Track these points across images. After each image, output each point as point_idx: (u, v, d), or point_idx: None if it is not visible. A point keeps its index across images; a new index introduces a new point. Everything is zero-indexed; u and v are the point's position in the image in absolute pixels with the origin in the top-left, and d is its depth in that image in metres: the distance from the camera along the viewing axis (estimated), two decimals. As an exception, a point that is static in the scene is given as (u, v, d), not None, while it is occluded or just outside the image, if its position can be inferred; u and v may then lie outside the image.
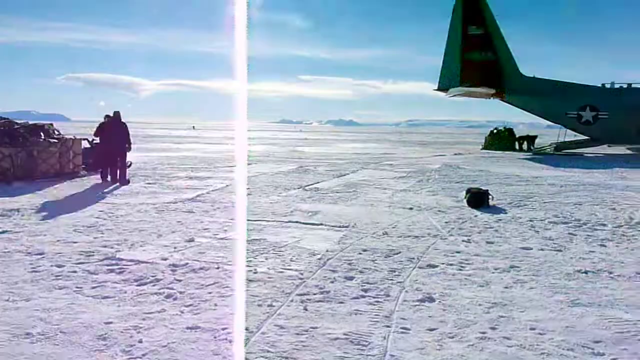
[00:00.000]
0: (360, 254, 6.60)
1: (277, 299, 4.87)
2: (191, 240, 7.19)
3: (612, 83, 30.10)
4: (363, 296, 5.01)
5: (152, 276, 5.51)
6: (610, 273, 5.93)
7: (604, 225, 8.71)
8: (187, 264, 5.99)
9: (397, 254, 6.63)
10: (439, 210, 9.91)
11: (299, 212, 9.58)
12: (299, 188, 12.88)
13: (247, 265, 5.96)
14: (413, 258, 6.43)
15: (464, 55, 31.19)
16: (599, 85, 30.38)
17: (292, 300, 4.85)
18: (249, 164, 19.45)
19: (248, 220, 8.62)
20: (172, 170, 16.67)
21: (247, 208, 9.76)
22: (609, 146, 31.04)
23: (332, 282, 5.43)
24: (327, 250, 6.72)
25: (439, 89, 32.31)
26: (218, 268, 5.84)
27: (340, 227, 8.29)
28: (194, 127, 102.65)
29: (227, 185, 13.05)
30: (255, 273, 5.68)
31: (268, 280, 5.45)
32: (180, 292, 5.02)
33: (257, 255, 6.42)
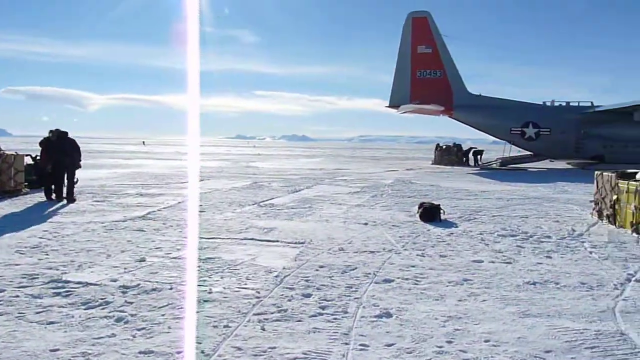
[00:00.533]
0: (317, 270, 6.58)
1: (234, 320, 4.77)
2: (142, 260, 6.96)
3: (552, 101, 31.68)
4: (321, 313, 4.99)
5: (101, 299, 5.29)
6: (557, 284, 6.16)
7: (549, 237, 9.05)
8: (138, 285, 5.79)
9: (353, 269, 6.65)
10: (393, 225, 10.04)
11: (254, 228, 9.49)
12: (253, 204, 12.77)
13: (202, 285, 5.82)
14: (369, 273, 6.46)
15: (414, 73, 32.10)
16: (541, 103, 31.87)
17: (249, 320, 4.76)
18: (202, 180, 19.15)
19: (202, 238, 8.46)
20: (121, 187, 16.18)
21: (200, 225, 9.58)
22: (550, 161, 32.50)
23: (289, 300, 5.38)
24: (283, 268, 6.66)
25: (390, 106, 33.04)
26: (171, 289, 5.68)
27: (296, 243, 8.25)
28: (144, 142, 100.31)
29: (179, 202, 12.78)
30: (210, 293, 5.55)
31: (224, 300, 5.33)
32: (132, 315, 4.84)
33: (211, 275, 6.29)
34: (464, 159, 33.88)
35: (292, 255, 7.42)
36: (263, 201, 13.37)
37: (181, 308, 5.06)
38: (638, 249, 8.10)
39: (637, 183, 9.46)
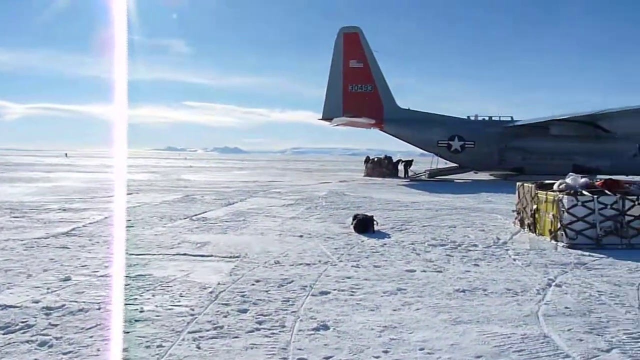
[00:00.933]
0: (253, 285, 6.50)
1: (167, 339, 4.61)
2: (67, 279, 6.58)
3: (476, 115, 33.32)
4: (258, 329, 4.92)
5: (22, 322, 4.94)
6: (485, 290, 6.43)
7: (476, 246, 9.46)
8: (63, 305, 5.46)
9: (290, 282, 6.63)
10: (328, 237, 10.13)
11: (187, 243, 9.24)
12: (185, 218, 12.45)
13: (132, 304, 5.58)
14: (306, 286, 6.47)
15: (346, 87, 32.76)
16: (466, 117, 33.44)
17: (183, 339, 4.62)
18: (130, 194, 18.43)
19: (131, 254, 8.13)
20: (42, 202, 15.27)
21: (129, 241, 9.21)
22: (475, 172, 34.07)
23: (225, 316, 5.27)
24: (218, 283, 6.53)
25: (323, 118, 33.45)
26: (99, 309, 5.41)
27: (231, 257, 8.12)
28: (66, 154, 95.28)
29: (106, 217, 12.23)
30: (141, 312, 5.34)
31: (156, 318, 5.14)
32: (57, 338, 4.56)
33: (142, 292, 6.05)
34: (396, 170, 34.85)
35: (227, 270, 7.29)
36: (195, 215, 13.07)
37: (110, 329, 4.83)
38: (556, 256, 8.64)
39: (555, 193, 10.10)
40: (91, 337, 4.63)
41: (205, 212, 13.75)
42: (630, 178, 26.57)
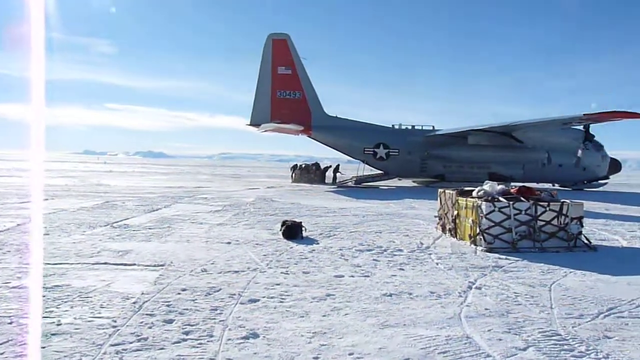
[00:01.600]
0: (179, 294, 6.31)
1: (87, 353, 4.36)
2: (-28, 292, 6.07)
3: (400, 124, 34.42)
4: (185, 339, 4.77)
5: None
6: (410, 294, 6.63)
7: (401, 250, 9.73)
8: (-32, 321, 5.03)
9: (217, 291, 6.49)
10: (257, 244, 10.03)
11: (108, 252, 8.81)
12: (106, 225, 11.88)
13: (49, 317, 5.23)
14: (234, 294, 6.36)
15: (274, 93, 32.76)
16: (390, 126, 34.44)
17: (105, 353, 4.39)
18: (45, 200, 17.35)
19: (47, 263, 7.63)
20: (-58, 209, 14.01)
21: (45, 250, 8.64)
22: (399, 179, 35.14)
23: (150, 327, 5.07)
24: (142, 293, 6.27)
25: (251, 124, 33.21)
26: (11, 323, 5.02)
27: (155, 266, 7.83)
28: None
29: (19, 225, 11.41)
30: (58, 325, 5.01)
31: (75, 332, 4.85)
32: (-39, 357, 4.19)
33: (60, 304, 5.69)
34: (324, 177, 35.17)
35: (151, 279, 7.03)
36: (117, 222, 12.51)
37: (25, 344, 4.50)
38: (476, 259, 9.06)
39: (474, 200, 10.61)
40: (2, 353, 4.29)
41: (127, 218, 13.19)
42: (540, 185, 28.52)
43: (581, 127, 31.47)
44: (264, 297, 6.28)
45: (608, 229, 13.42)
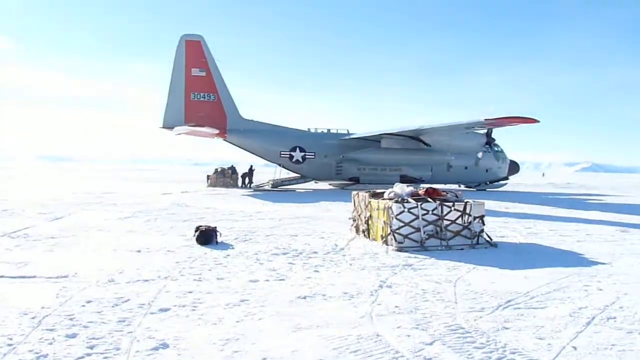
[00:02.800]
0: (83, 306, 5.97)
1: (-24, 375, 4.02)
2: None
3: (316, 128, 34.82)
4: (89, 354, 4.53)
5: None
6: (324, 295, 6.73)
7: (316, 253, 9.85)
8: None
9: (125, 301, 6.22)
10: (169, 251, 9.73)
11: (4, 264, 8.16)
12: (2, 235, 10.99)
13: None
14: (144, 304, 6.13)
15: (188, 95, 31.98)
16: (306, 129, 34.76)
17: (-3, 374, 4.07)
18: None
19: None
20: None
21: None
22: (315, 182, 35.54)
23: (50, 343, 4.76)
24: (42, 307, 5.87)
25: (164, 127, 32.16)
26: None
27: (58, 277, 7.36)
28: None
29: None
30: (-58, 347, 4.58)
31: (-38, 353, 4.46)
32: None
33: (-56, 324, 5.19)
34: (247, 180, 34.68)
35: (52, 291, 6.59)
36: (15, 231, 11.62)
37: None
38: (387, 259, 9.37)
39: (385, 201, 10.98)
40: None
41: (27, 228, 12.29)
42: (447, 187, 30.05)
43: (483, 131, 33.56)
44: (175, 305, 6.10)
45: (507, 226, 14.40)
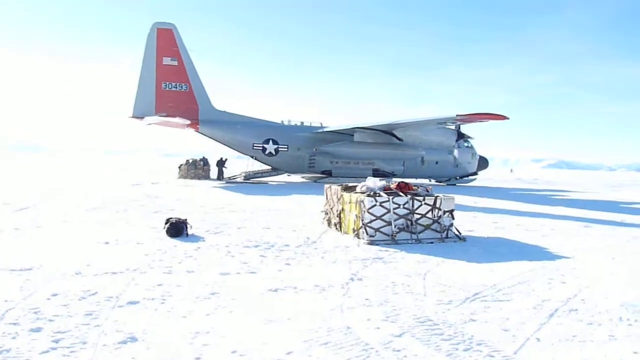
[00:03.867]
0: (48, 299, 5.84)
1: None
2: None
3: (289, 120, 34.69)
4: (54, 348, 4.45)
5: None
6: (296, 288, 6.75)
7: (288, 245, 9.86)
8: None
9: (93, 294, 6.12)
10: (138, 243, 9.59)
11: (-36, 256, 7.92)
12: (-38, 227, 10.66)
13: None
14: (112, 297, 6.04)
15: (159, 85, 31.43)
16: (279, 121, 34.60)
17: (-43, 369, 3.96)
18: None
19: None
20: None
21: None
22: (288, 175, 35.46)
23: (13, 337, 4.65)
24: (5, 300, 5.72)
25: (134, 117, 31.56)
26: None
27: (21, 270, 7.18)
28: None
29: None
30: None
31: None
32: None
33: None
34: (218, 170, 34.28)
35: (16, 284, 6.43)
36: (-24, 222, 11.26)
37: None
38: (359, 252, 9.44)
39: (357, 195, 11.04)
40: None
41: (-11, 219, 11.94)
42: (419, 181, 30.39)
43: (454, 127, 34.04)
44: (144, 298, 6.03)
45: (476, 221, 14.67)
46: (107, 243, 9.45)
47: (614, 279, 7.90)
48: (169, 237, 10.24)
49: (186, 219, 11.05)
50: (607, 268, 8.74)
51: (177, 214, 12.85)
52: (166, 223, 10.77)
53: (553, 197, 28.34)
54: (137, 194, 19.97)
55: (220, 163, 34.40)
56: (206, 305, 5.88)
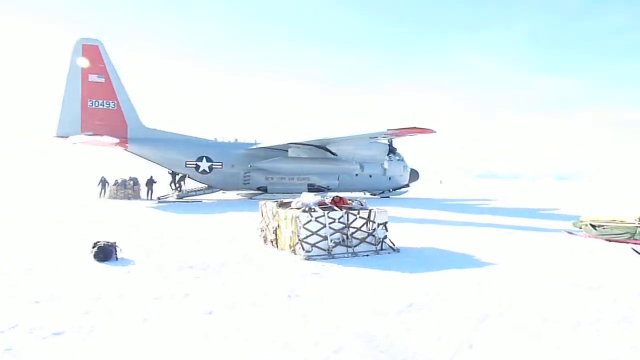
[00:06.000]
0: (-38, 335, 5.41)
1: None
2: None
3: (223, 137, 34.31)
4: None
5: None
6: (232, 308, 6.64)
7: (223, 264, 9.65)
8: None
9: (13, 327, 5.72)
10: (63, 268, 9.06)
11: None
12: None
13: None
14: (34, 328, 5.67)
15: (84, 102, 30.25)
16: (213, 139, 34.14)
17: None
18: None
19: None
20: None
21: None
22: (223, 192, 34.95)
23: None
24: None
25: (59, 136, 30.08)
26: None
27: None
28: None
29: None
30: None
31: None
32: None
33: None
34: (147, 189, 33.13)
35: None
36: None
37: None
38: (295, 268, 9.43)
39: (293, 211, 11.06)
40: None
41: None
42: (353, 195, 30.87)
43: (387, 141, 34.95)
44: (70, 328, 5.71)
45: (408, 232, 15.07)
46: (29, 269, 8.88)
47: (539, 284, 8.35)
48: (97, 262, 9.78)
49: (115, 242, 10.59)
50: (532, 273, 9.23)
51: (106, 237, 12.31)
52: (94, 247, 10.26)
53: (480, 206, 29.65)
54: (62, 215, 18.93)
55: (150, 182, 33.36)
56: (137, 330, 5.66)
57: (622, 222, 13.84)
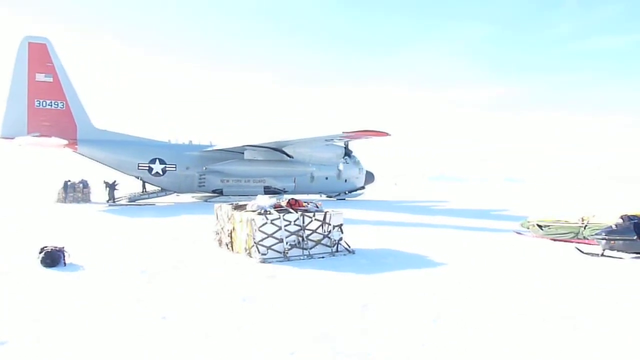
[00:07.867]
0: None
1: None
2: None
3: (177, 139, 33.72)
4: None
5: None
6: (185, 313, 6.56)
7: (177, 268, 9.55)
8: None
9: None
10: (7, 274, 8.71)
11: None
12: None
13: None
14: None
15: (31, 102, 29.11)
16: (167, 140, 33.50)
17: None
18: None
19: None
20: None
21: None
22: (177, 195, 34.33)
23: None
24: None
25: (3, 137, 28.79)
26: None
27: None
28: None
29: None
30: None
31: None
32: None
33: None
34: (109, 192, 31.96)
35: None
36: None
37: None
38: (250, 271, 9.39)
39: (248, 213, 11.00)
40: None
41: None
42: (309, 197, 30.96)
43: (343, 143, 35.24)
44: (17, 337, 5.50)
45: (363, 233, 15.26)
46: (-31, 278, 8.49)
47: (490, 283, 8.64)
48: (44, 268, 9.44)
49: (63, 247, 10.24)
50: (483, 272, 9.53)
51: (53, 242, 11.87)
52: (40, 252, 9.89)
53: (433, 207, 30.33)
54: (6, 220, 18.13)
55: (112, 185, 32.18)
56: (87, 339, 5.50)
57: (566, 222, 14.48)
